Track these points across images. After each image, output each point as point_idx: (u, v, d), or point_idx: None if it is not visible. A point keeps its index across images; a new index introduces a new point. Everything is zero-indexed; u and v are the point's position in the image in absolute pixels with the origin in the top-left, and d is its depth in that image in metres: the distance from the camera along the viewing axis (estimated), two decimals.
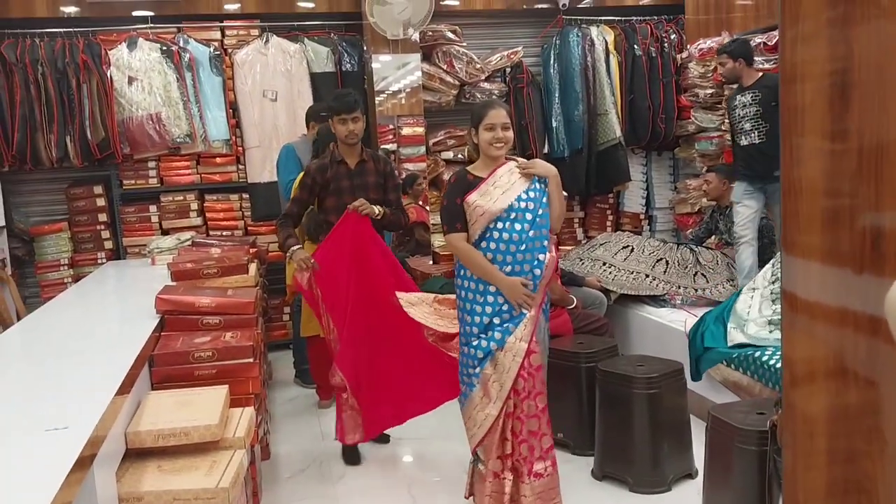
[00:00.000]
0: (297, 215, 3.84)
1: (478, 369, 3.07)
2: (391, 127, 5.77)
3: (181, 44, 5.64)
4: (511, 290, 3.02)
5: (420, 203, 5.80)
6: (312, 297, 3.69)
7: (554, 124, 6.25)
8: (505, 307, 3.04)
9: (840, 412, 1.29)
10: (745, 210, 4.85)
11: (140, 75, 5.49)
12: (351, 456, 3.87)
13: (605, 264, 5.29)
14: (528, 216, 3.03)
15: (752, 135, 4.75)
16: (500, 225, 3.02)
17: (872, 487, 1.24)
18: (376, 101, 5.74)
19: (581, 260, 5.48)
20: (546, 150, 6.27)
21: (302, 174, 3.84)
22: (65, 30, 5.41)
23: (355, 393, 3.69)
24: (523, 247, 3.02)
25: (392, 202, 3.89)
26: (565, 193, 3.20)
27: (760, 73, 4.85)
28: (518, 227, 3.02)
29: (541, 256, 3.05)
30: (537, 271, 3.04)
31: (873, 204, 1.17)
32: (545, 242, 3.08)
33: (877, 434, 1.24)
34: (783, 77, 1.34)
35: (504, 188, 3.06)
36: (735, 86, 5.00)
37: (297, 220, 3.86)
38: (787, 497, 1.40)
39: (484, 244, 3.05)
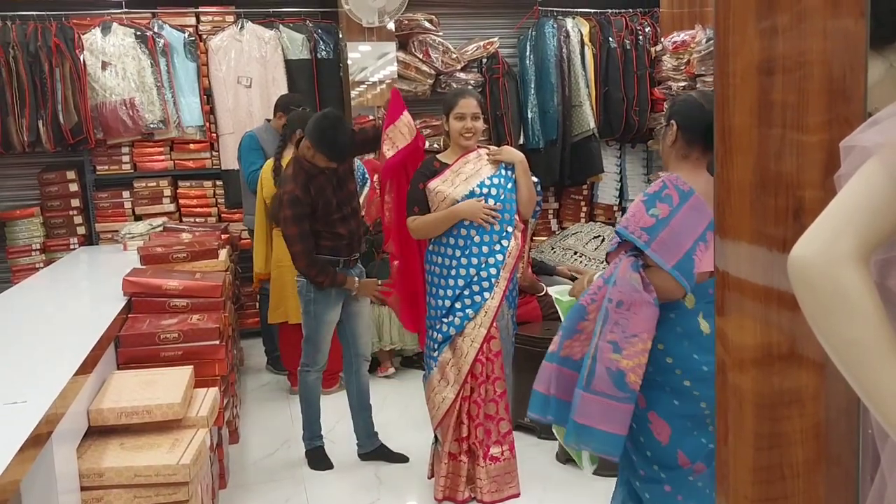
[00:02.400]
0: (312, 248, 3.44)
1: (436, 353, 3.12)
2: (371, 118, 5.78)
3: (156, 29, 5.62)
4: (471, 210, 3.02)
5: None
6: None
7: (529, 115, 6.29)
8: (466, 292, 3.08)
9: (769, 392, 1.34)
10: None
11: (114, 60, 5.46)
12: (319, 461, 3.68)
13: (576, 253, 5.36)
14: (490, 202, 3.07)
15: None
16: None
17: (799, 470, 1.29)
18: (354, 93, 5.74)
19: (553, 249, 5.54)
20: (521, 140, 6.31)
21: (289, 204, 3.38)
22: (37, 13, 5.37)
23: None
24: (483, 231, 3.06)
25: (360, 134, 3.79)
26: (535, 180, 3.23)
27: None
28: None
29: (503, 243, 3.09)
30: (499, 257, 3.08)
31: (796, 181, 1.22)
32: (509, 229, 3.11)
33: (803, 413, 1.29)
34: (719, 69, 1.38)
35: (467, 175, 3.10)
36: None
37: (313, 251, 3.46)
38: (720, 481, 1.44)
39: (445, 230, 3.09)
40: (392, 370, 5.03)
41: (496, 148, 3.20)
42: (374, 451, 3.72)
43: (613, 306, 2.04)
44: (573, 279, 5.00)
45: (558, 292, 2.40)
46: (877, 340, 0.90)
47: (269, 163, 4.52)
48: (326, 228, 3.49)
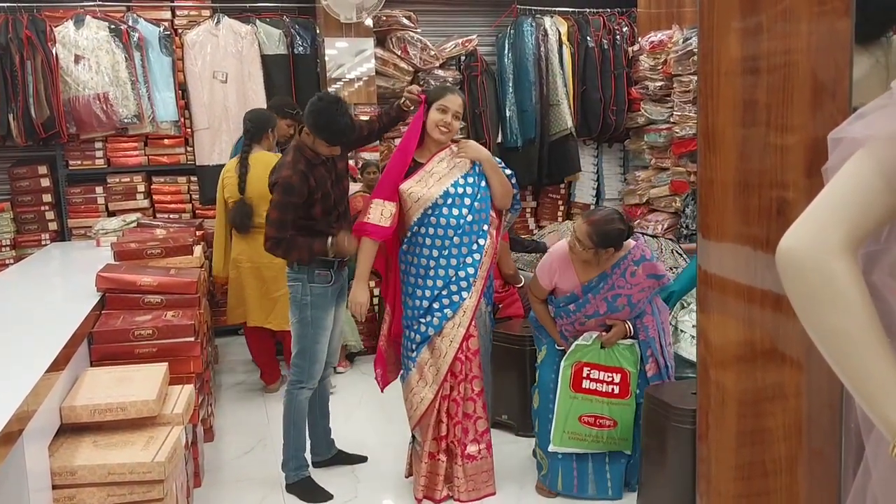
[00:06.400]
0: (285, 238, 3.14)
1: (415, 353, 3.10)
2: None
3: (130, 23, 5.54)
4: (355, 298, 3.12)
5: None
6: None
7: (507, 114, 6.29)
8: (444, 292, 3.06)
9: (752, 388, 1.34)
10: None
11: (87, 54, 5.37)
12: (314, 492, 3.33)
13: None
14: (467, 201, 3.05)
15: None
16: (436, 211, 3.03)
17: (781, 465, 1.29)
18: (332, 89, 5.70)
19: None
20: (499, 139, 6.31)
21: (282, 189, 3.10)
22: (8, 4, 5.27)
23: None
24: (461, 231, 3.04)
25: (365, 125, 3.52)
26: (509, 172, 3.20)
27: None
28: (456, 212, 3.04)
29: (480, 241, 3.08)
30: (476, 256, 3.07)
31: (778, 180, 1.22)
32: (485, 227, 3.10)
33: (786, 408, 1.29)
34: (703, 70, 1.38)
35: (441, 175, 3.07)
36: None
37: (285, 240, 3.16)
38: (699, 479, 1.44)
39: (422, 230, 3.06)
40: (347, 365, 5.05)
41: (461, 142, 3.15)
42: (332, 458, 3.60)
43: None
44: None
45: (583, 338, 3.18)
46: (864, 331, 0.91)
47: (232, 163, 4.45)
48: (325, 228, 3.21)
